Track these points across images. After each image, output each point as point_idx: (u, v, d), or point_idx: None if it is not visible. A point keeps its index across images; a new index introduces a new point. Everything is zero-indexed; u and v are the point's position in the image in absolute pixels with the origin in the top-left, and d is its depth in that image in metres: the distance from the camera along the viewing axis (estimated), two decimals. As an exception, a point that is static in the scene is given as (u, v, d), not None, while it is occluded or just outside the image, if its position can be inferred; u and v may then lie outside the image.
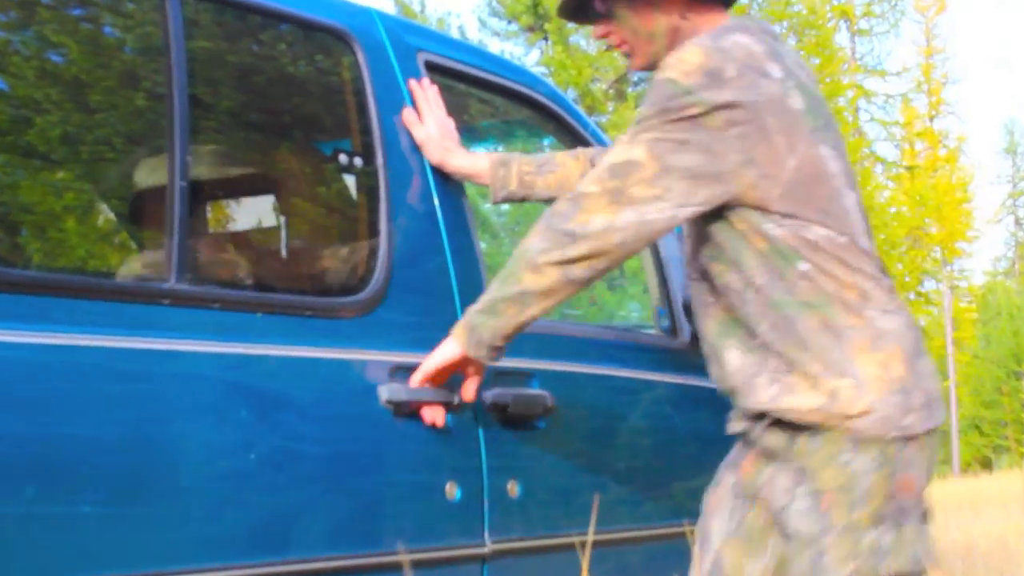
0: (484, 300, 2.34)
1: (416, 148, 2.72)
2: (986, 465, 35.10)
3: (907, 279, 32.39)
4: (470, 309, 2.38)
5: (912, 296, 33.09)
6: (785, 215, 2.20)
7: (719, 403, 3.56)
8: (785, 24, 30.62)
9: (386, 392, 2.42)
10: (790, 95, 2.21)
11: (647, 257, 3.57)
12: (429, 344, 2.48)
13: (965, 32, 74.08)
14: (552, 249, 2.23)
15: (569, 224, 2.21)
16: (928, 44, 35.53)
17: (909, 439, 2.18)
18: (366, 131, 2.66)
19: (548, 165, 2.77)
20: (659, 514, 3.19)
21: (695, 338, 3.43)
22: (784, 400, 2.21)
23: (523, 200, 2.78)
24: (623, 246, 2.20)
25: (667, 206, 2.18)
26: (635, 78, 18.12)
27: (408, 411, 2.45)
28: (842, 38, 33.53)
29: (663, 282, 3.51)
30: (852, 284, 2.21)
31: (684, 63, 2.18)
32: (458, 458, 2.57)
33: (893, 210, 32.65)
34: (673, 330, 3.44)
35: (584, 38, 18.06)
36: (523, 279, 2.26)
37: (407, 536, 2.39)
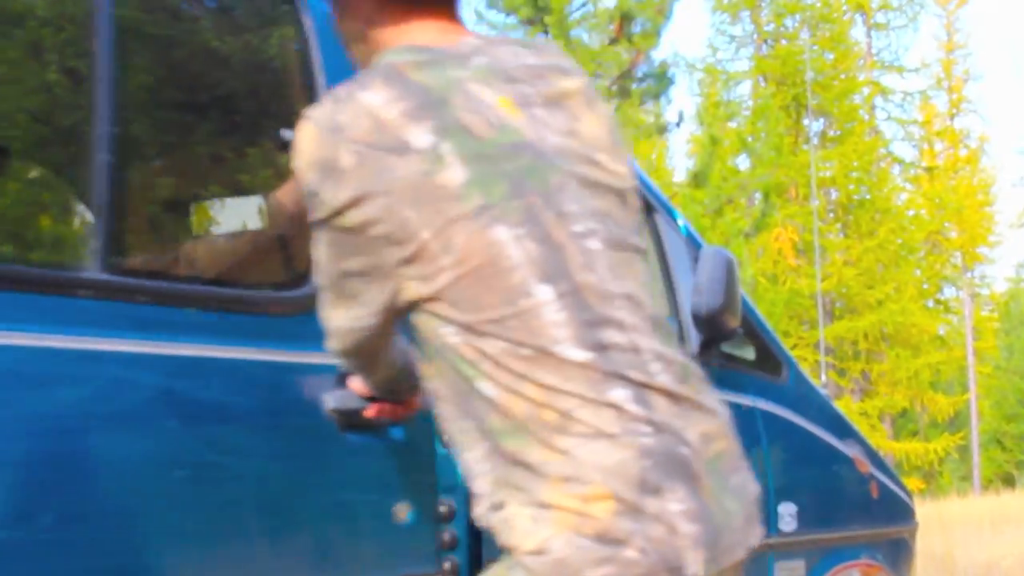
0: None
1: None
2: (1009, 482, 35.12)
3: (926, 286, 32.39)
4: None
5: (931, 304, 33.10)
6: (459, 324, 1.77)
7: (731, 416, 3.56)
8: (798, 17, 30.65)
9: (332, 400, 2.26)
10: (440, 169, 1.75)
11: (653, 261, 3.57)
12: None
13: (988, 26, 74.14)
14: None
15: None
16: (949, 39, 35.56)
17: None
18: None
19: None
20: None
21: (704, 347, 3.44)
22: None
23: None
24: (353, 351, 2.03)
25: (363, 312, 1.89)
26: (640, 74, 18.15)
27: (357, 422, 2.26)
28: (858, 32, 33.57)
29: (670, 288, 3.51)
30: (547, 405, 1.73)
31: (300, 151, 1.81)
32: (412, 475, 2.39)
33: (911, 213, 32.66)
34: (681, 339, 3.43)
35: (587, 31, 18.09)
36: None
37: (354, 566, 2.23)
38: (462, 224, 1.74)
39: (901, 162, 33.66)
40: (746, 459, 1.89)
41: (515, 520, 1.76)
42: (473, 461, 1.83)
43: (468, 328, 1.77)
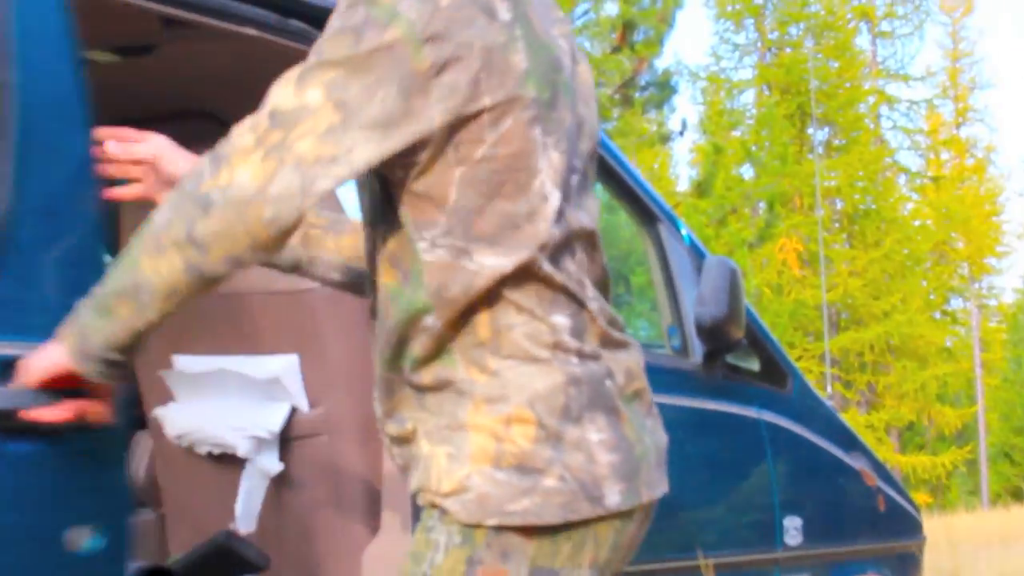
0: (98, 290, 1.79)
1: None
2: (1018, 496, 35.07)
3: (932, 297, 32.39)
4: (84, 300, 1.81)
5: (937, 315, 33.10)
6: (438, 226, 1.78)
7: (736, 429, 3.56)
8: (803, 25, 30.69)
9: None
10: (514, 47, 1.76)
11: (656, 271, 3.57)
12: (50, 330, 1.86)
13: (994, 34, 74.22)
14: (176, 222, 1.70)
15: (202, 187, 1.69)
16: (954, 47, 35.61)
17: (520, 530, 1.74)
18: None
19: (342, 224, 2.20)
20: (670, 546, 3.18)
21: (708, 358, 3.45)
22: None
23: (302, 266, 2.19)
24: (274, 223, 1.67)
25: (343, 171, 1.70)
26: (643, 83, 18.16)
27: (14, 425, 1.87)
28: (863, 41, 33.61)
29: (674, 297, 3.51)
30: (492, 322, 1.78)
31: None
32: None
33: (917, 223, 32.67)
34: (685, 349, 3.44)
35: (589, 39, 18.11)
36: (141, 264, 1.73)
37: None
38: (516, 108, 1.75)
39: (907, 172, 33.69)
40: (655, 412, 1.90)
41: (430, 461, 1.79)
42: (384, 383, 1.85)
43: (461, 221, 1.76)
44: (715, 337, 3.33)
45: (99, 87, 3.21)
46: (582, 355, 1.79)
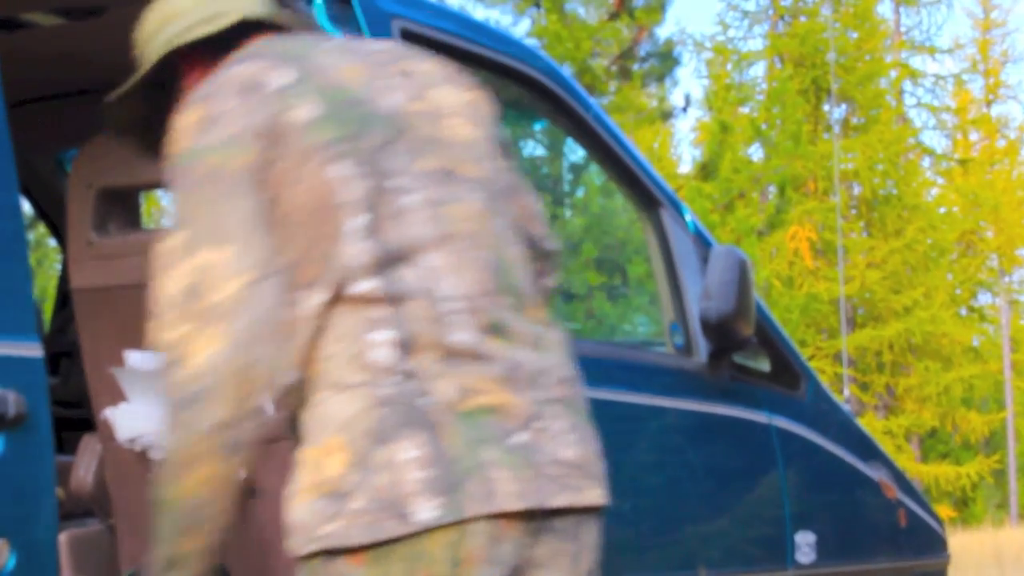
0: (158, 552, 2.07)
1: None
2: (1049, 510, 35.20)
3: (958, 292, 32.47)
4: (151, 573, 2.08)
5: (964, 312, 33.19)
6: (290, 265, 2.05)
7: (744, 435, 3.57)
8: (819, -9, 30.69)
9: None
10: (296, 104, 2.06)
11: (657, 263, 3.58)
12: None
13: (1028, 3, 74.27)
14: (183, 434, 1.98)
15: (176, 390, 1.98)
16: (985, 17, 35.67)
17: (336, 553, 1.95)
18: None
19: None
20: (670, 562, 3.19)
21: (714, 357, 3.45)
22: None
23: None
24: (258, 365, 1.98)
25: (270, 282, 2.01)
26: (643, 53, 18.17)
27: None
28: (885, 9, 33.66)
29: (676, 291, 3.52)
30: (317, 357, 2.02)
31: (177, 129, 2.11)
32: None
33: (943, 211, 32.73)
34: (688, 348, 3.44)
35: (583, 5, 18.10)
36: (181, 498, 2.01)
37: None
38: (309, 158, 2.02)
39: (932, 153, 33.72)
40: (577, 431, 2.06)
41: (286, 502, 2.02)
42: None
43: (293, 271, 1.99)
44: (722, 335, 3.33)
45: (40, 54, 3.21)
46: (397, 373, 1.98)
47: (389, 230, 2.03)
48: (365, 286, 1.99)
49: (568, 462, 2.05)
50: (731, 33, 31.60)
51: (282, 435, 2.98)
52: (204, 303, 1.96)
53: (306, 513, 1.98)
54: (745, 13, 31.54)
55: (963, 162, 34.41)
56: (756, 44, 31.63)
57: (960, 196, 33.44)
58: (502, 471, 1.97)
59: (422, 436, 1.95)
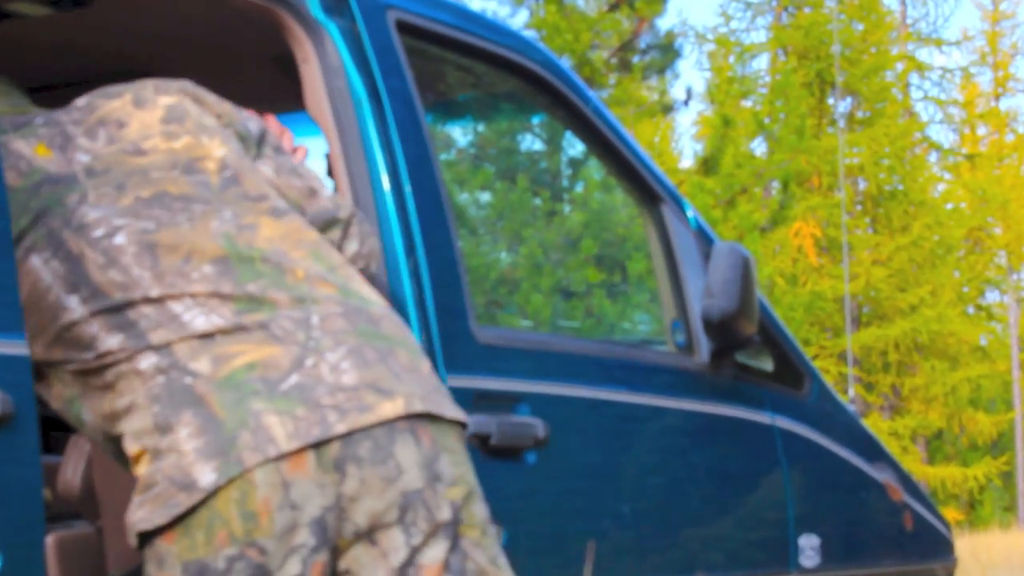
0: None
1: None
2: (1058, 513, 35.23)
3: (966, 289, 32.50)
4: None
5: (971, 310, 33.21)
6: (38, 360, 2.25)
7: (746, 435, 3.57)
8: (823, -18, 30.71)
9: None
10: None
11: (658, 260, 3.58)
12: None
13: (1038, -5, 74.22)
14: None
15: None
16: (994, 8, 35.69)
17: (152, 535, 2.15)
18: None
19: None
20: (670, 566, 3.19)
21: (716, 356, 3.45)
22: None
23: None
24: None
25: None
26: (643, 45, 18.17)
27: None
28: (891, 0, 33.66)
29: (677, 289, 3.52)
30: (111, 405, 2.25)
31: None
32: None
33: (950, 207, 32.76)
34: (690, 347, 3.44)
35: (582, -4, 18.11)
36: None
37: None
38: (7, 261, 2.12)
39: (939, 148, 33.76)
40: (361, 354, 2.14)
41: None
42: None
43: (43, 363, 2.21)
44: (724, 333, 3.34)
45: (27, 44, 3.21)
46: (159, 370, 2.16)
47: (105, 281, 2.21)
48: (110, 341, 2.18)
49: (350, 386, 2.12)
50: (734, 25, 31.62)
51: None
52: None
53: (130, 511, 2.15)
54: (748, 4, 31.56)
55: (971, 157, 34.43)
56: (759, 36, 31.65)
57: (968, 192, 33.47)
58: (272, 417, 2.08)
59: (192, 412, 2.10)
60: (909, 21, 33.66)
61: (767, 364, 3.74)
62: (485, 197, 11.71)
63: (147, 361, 2.16)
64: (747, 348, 3.51)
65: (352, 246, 2.48)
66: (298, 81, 2.92)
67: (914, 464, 28.53)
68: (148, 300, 2.20)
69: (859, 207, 31.02)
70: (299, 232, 2.33)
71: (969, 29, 46.31)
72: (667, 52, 18.48)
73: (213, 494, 2.06)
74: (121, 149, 2.33)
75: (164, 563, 2.11)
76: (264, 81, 3.50)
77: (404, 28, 2.94)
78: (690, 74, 77.41)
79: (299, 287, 2.23)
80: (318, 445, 2.07)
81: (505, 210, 10.91)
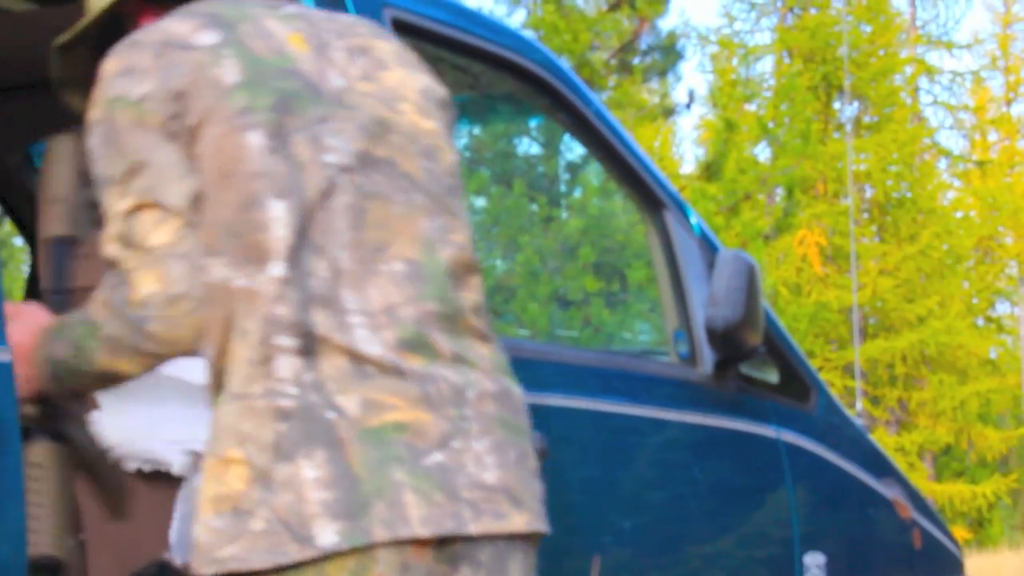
0: (58, 353, 2.19)
1: None
2: (1069, 532, 35.25)
3: (975, 301, 32.52)
4: (46, 344, 2.21)
5: (981, 322, 33.23)
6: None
7: (750, 450, 3.57)
8: (830, -17, 30.76)
9: None
10: (218, 64, 2.09)
11: (660, 268, 3.58)
12: None
13: (1051, -3, 74.33)
14: (120, 346, 2.13)
15: (128, 310, 2.11)
16: (1006, 11, 35.75)
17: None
18: None
19: None
20: (672, 585, 3.19)
21: (720, 368, 3.46)
22: None
23: None
24: (196, 305, 2.07)
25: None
26: (645, 46, 18.19)
27: None
28: (900, 2, 33.72)
29: (680, 298, 3.52)
30: (224, 353, 2.04)
31: (101, 76, 2.19)
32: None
33: (959, 215, 32.78)
34: (693, 358, 3.45)
35: (582, -5, 18.13)
36: (97, 364, 2.16)
37: None
38: (222, 119, 2.05)
39: (948, 154, 33.78)
40: (504, 452, 2.02)
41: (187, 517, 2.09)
42: None
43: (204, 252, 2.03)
44: (728, 343, 3.34)
45: (9, 41, 3.21)
46: (300, 384, 1.97)
47: (308, 218, 2.04)
48: (275, 272, 2.00)
49: (490, 486, 2.01)
50: (737, 26, 31.64)
51: None
52: (138, 247, 2.06)
53: (206, 532, 1.98)
54: (752, 5, 31.59)
55: (981, 164, 34.46)
56: (764, 38, 31.68)
57: (978, 200, 33.49)
58: (411, 494, 1.95)
59: (325, 454, 1.95)
60: (919, 23, 33.71)
61: (772, 376, 3.75)
62: (480, 202, 11.71)
63: (285, 342, 1.99)
64: (752, 359, 3.51)
65: (480, 297, 2.28)
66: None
67: (921, 481, 28.53)
68: (335, 262, 2.04)
69: (866, 215, 31.04)
70: (472, 266, 2.19)
71: (980, 32, 46.34)
72: (669, 54, 18.50)
73: (328, 556, 1.93)
74: (374, 93, 2.17)
75: None
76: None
77: (400, 26, 2.94)
78: (692, 76, 77.48)
79: (461, 341, 2.09)
80: (447, 537, 1.97)
81: (501, 215, 10.91)
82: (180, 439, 2.95)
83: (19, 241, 21.59)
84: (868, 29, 30.51)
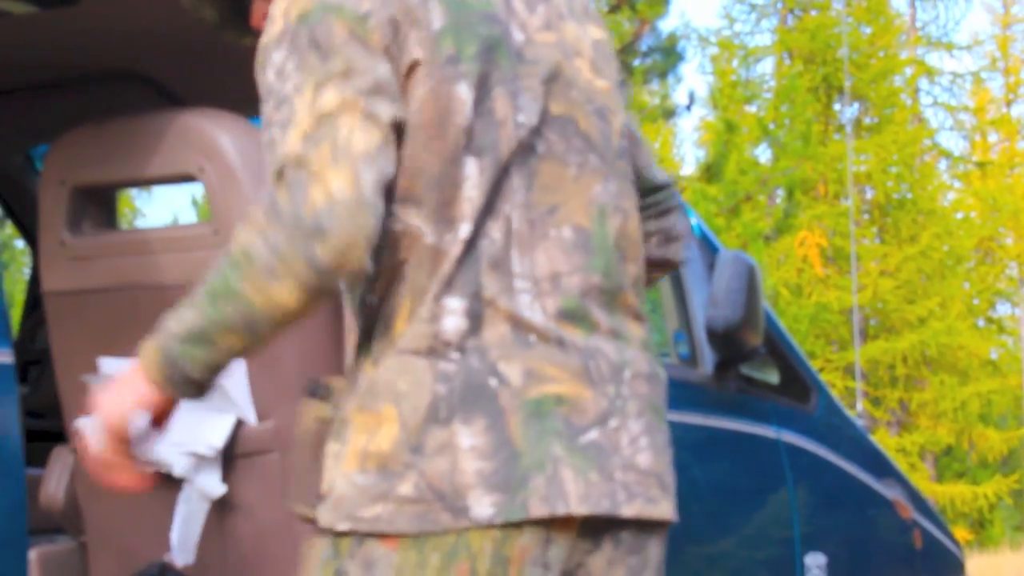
0: (186, 320, 1.95)
1: None
2: (1070, 533, 35.24)
3: (976, 302, 32.52)
4: (161, 332, 1.97)
5: (982, 323, 33.23)
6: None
7: (751, 450, 3.57)
8: (830, -16, 30.77)
9: None
10: (428, 6, 1.98)
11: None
12: None
13: (1051, -2, 74.29)
14: (289, 251, 1.88)
15: (305, 213, 1.88)
16: (1006, 12, 35.75)
17: (374, 536, 1.89)
18: None
19: None
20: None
21: (721, 368, 3.46)
22: None
23: None
24: (377, 224, 1.88)
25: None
26: (645, 48, 18.20)
27: None
28: (900, 3, 33.73)
29: (681, 299, 3.52)
30: (395, 307, 1.95)
31: None
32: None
33: (960, 216, 32.78)
34: (693, 358, 3.45)
35: (582, -3, 18.14)
36: (249, 296, 1.90)
37: None
38: (435, 67, 1.96)
39: (949, 155, 33.78)
40: (654, 435, 1.99)
41: (327, 460, 1.96)
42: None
43: (396, 200, 1.93)
44: (729, 344, 3.34)
45: (10, 44, 3.21)
46: (463, 348, 1.91)
47: (497, 179, 1.96)
48: (461, 234, 1.93)
49: (642, 469, 1.97)
50: (738, 27, 31.64)
51: (264, 448, 2.99)
52: (333, 146, 1.87)
53: (349, 487, 1.91)
54: (753, 6, 31.58)
55: (982, 165, 34.46)
56: (764, 39, 31.68)
57: (978, 201, 33.48)
58: (568, 470, 1.90)
59: (484, 421, 1.89)
60: (919, 24, 33.71)
61: (772, 377, 3.75)
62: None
63: (454, 303, 1.92)
64: (752, 360, 3.51)
65: (669, 222, 2.29)
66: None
67: (922, 481, 28.52)
68: (508, 222, 1.97)
69: (866, 216, 31.04)
70: (638, 237, 2.11)
71: (980, 33, 46.36)
72: (669, 55, 18.51)
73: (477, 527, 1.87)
74: (555, 44, 2.07)
75: (372, 567, 1.89)
76: (254, 83, 3.50)
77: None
78: (693, 78, 77.48)
79: (618, 317, 2.02)
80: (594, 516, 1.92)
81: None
82: (181, 441, 2.96)
83: (20, 244, 21.59)
84: (868, 30, 30.51)
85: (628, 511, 1.93)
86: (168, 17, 3.03)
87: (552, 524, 1.89)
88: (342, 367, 2.84)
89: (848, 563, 3.80)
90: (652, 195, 2.23)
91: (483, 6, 2.02)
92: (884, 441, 27.84)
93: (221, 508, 3.00)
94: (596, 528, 1.93)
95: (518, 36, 2.04)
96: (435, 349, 1.90)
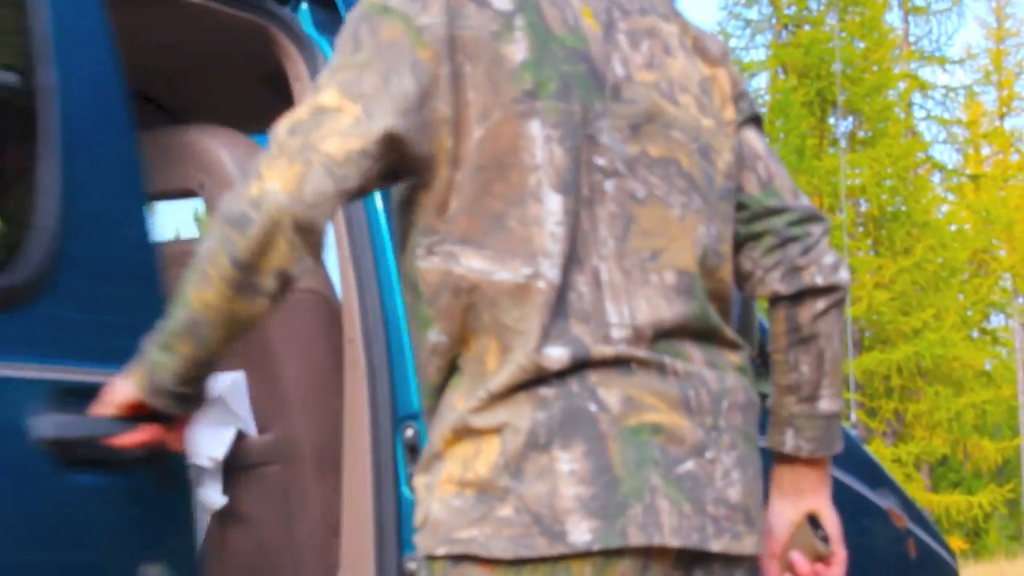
0: (162, 326, 1.99)
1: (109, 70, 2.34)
2: (1065, 542, 35.20)
3: (970, 313, 32.52)
4: (151, 336, 2.01)
5: (976, 334, 33.23)
6: (438, 233, 1.92)
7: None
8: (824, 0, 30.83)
9: (47, 426, 2.07)
10: (509, 37, 1.93)
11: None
12: (119, 355, 2.08)
13: (1043, 12, 74.42)
14: (218, 250, 1.86)
15: (237, 206, 1.86)
16: (999, 26, 35.80)
17: (470, 560, 1.86)
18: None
19: None
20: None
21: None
22: None
23: None
24: (312, 229, 1.85)
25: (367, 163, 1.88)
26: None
27: (82, 456, 2.10)
28: (894, 17, 33.78)
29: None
30: (476, 346, 1.93)
31: None
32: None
33: (953, 228, 32.79)
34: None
35: (578, 13, 18.15)
36: (191, 300, 1.90)
37: None
38: (504, 101, 1.90)
39: (942, 168, 33.81)
40: (745, 468, 1.97)
41: (417, 493, 1.95)
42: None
43: (449, 240, 1.90)
44: (723, 355, 3.34)
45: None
46: (562, 376, 1.88)
47: (578, 219, 1.92)
48: (546, 272, 1.89)
49: (732, 504, 1.96)
50: (733, 42, 31.68)
51: (265, 460, 2.99)
52: (308, 141, 1.86)
53: (445, 510, 1.88)
54: (747, 22, 31.64)
55: (975, 177, 34.50)
56: (759, 54, 31.75)
57: (972, 213, 33.51)
58: (664, 501, 1.88)
59: (584, 447, 1.86)
60: (912, 39, 33.76)
61: (766, 387, 3.75)
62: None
63: (556, 352, 1.87)
64: (746, 371, 3.51)
65: (818, 251, 2.18)
66: (290, 98, 2.94)
67: (917, 492, 28.51)
68: (595, 273, 1.93)
69: (861, 229, 31.06)
70: (730, 284, 2.09)
71: (973, 47, 46.42)
72: (665, 70, 18.52)
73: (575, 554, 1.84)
74: (657, 83, 2.02)
75: None
76: (255, 98, 3.51)
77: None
78: (688, 93, 77.37)
79: (713, 348, 2.01)
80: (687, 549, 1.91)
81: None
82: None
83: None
84: (862, 45, 30.56)
85: (716, 546, 1.92)
86: (166, 35, 3.05)
87: (650, 553, 1.87)
88: (341, 381, 2.85)
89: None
90: (762, 220, 2.13)
91: (574, 41, 1.97)
92: (880, 452, 27.83)
93: (222, 520, 3.01)
94: (688, 558, 1.92)
95: (618, 71, 1.99)
96: (533, 381, 1.88)
